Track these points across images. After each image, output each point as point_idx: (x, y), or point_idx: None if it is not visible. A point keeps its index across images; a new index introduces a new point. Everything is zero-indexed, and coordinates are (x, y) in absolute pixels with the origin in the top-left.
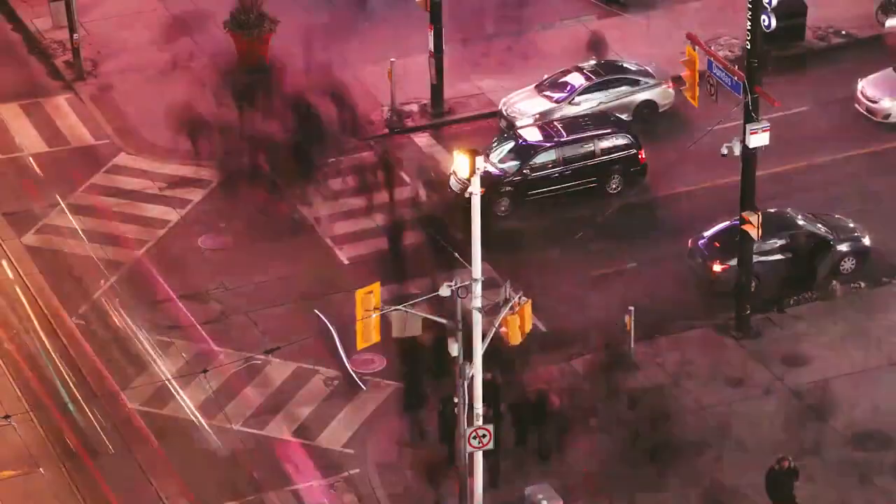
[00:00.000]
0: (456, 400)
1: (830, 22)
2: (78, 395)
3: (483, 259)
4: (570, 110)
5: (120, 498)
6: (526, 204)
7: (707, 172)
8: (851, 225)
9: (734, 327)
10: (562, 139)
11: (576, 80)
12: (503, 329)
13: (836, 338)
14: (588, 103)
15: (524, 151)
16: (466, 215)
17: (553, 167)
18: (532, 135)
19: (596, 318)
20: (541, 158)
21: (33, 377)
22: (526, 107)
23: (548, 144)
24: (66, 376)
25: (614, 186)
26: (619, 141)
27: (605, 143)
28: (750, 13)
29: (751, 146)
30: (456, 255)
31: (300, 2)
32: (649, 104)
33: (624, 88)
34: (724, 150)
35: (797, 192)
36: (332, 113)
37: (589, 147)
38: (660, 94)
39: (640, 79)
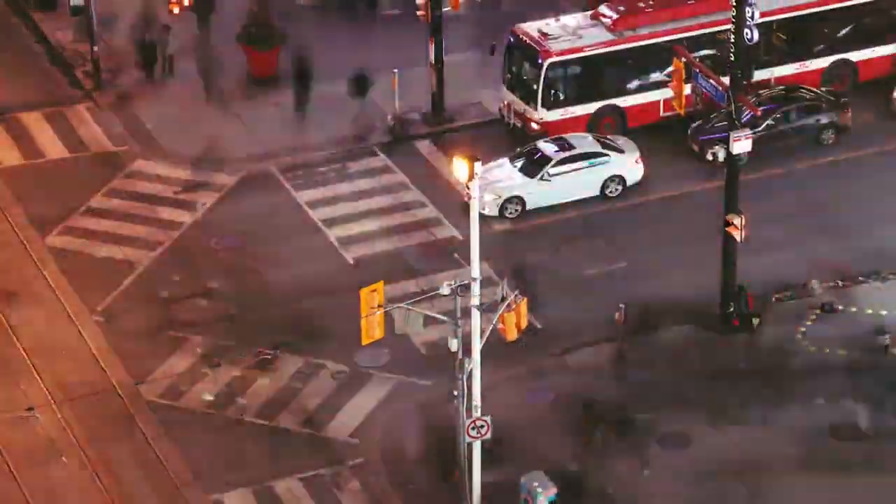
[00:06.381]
0: (455, 394)
1: None
2: (97, 387)
3: None
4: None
5: (138, 486)
6: None
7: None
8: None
9: (719, 324)
10: None
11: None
12: (500, 326)
13: (818, 333)
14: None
15: None
16: None
17: None
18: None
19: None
20: None
21: (55, 370)
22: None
23: None
24: (86, 369)
25: None
26: None
27: None
28: (733, 27)
29: (734, 152)
30: (455, 255)
31: (306, 14)
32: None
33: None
34: (710, 156)
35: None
36: None
37: None
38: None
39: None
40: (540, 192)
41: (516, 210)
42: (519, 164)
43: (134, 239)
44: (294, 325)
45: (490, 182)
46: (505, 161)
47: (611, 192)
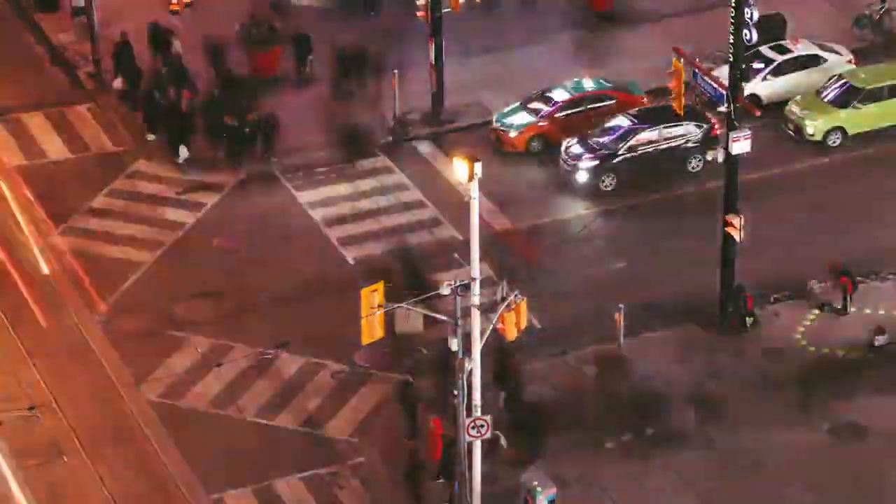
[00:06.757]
0: (456, 393)
1: (809, 36)
2: (99, 386)
3: None
4: None
5: (139, 485)
6: None
7: None
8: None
9: (717, 323)
10: None
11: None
12: (500, 326)
13: (814, 333)
14: None
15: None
16: None
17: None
18: None
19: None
20: None
21: (57, 370)
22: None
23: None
24: (88, 369)
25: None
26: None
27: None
28: (732, 27)
29: (733, 153)
30: (455, 255)
31: (308, 16)
32: None
33: None
34: (709, 157)
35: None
36: None
37: None
38: None
39: None
40: None
41: None
42: None
43: (135, 239)
44: (294, 325)
45: None
46: None
47: None
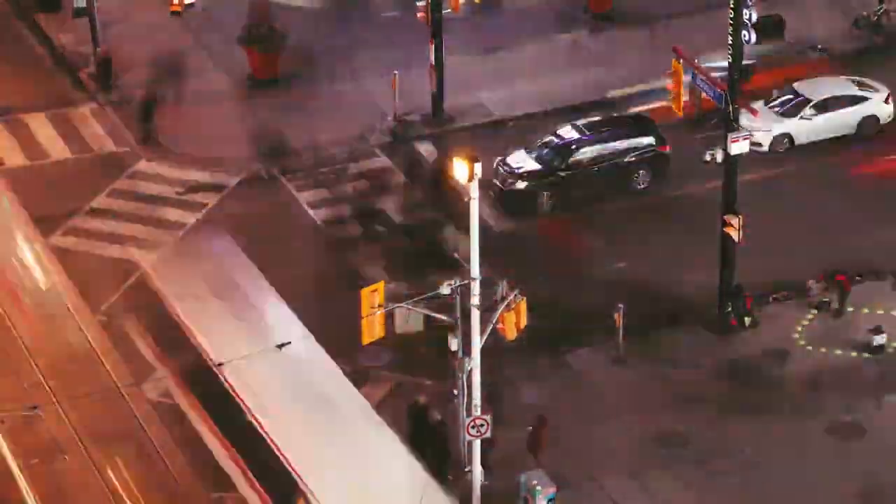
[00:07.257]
0: (455, 392)
1: (808, 36)
2: (100, 386)
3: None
4: None
5: (140, 484)
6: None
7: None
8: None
9: (717, 323)
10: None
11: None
12: (500, 325)
13: (813, 333)
14: None
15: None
16: None
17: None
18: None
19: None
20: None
21: (59, 370)
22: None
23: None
24: (89, 369)
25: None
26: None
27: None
28: (731, 28)
29: (732, 153)
30: (455, 255)
31: (307, 16)
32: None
33: None
34: (707, 157)
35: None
36: None
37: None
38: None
39: None
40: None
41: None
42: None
43: (137, 239)
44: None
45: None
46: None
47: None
